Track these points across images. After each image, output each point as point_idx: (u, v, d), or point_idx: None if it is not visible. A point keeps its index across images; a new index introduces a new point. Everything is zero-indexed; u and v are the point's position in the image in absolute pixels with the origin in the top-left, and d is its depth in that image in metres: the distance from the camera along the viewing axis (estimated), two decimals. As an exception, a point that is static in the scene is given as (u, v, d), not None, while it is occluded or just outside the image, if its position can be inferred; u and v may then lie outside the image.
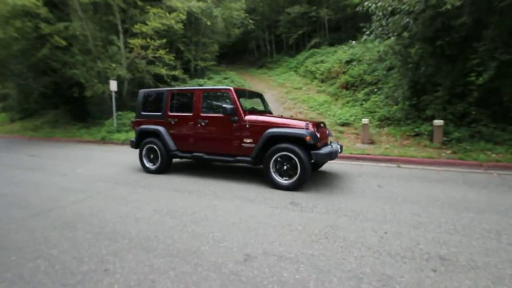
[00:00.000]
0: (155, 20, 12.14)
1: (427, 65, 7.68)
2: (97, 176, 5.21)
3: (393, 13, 7.67)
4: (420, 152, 6.48)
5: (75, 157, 7.59)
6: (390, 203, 3.57)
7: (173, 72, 13.35)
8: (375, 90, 10.47)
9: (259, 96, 5.69)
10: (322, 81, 13.80)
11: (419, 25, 7.26)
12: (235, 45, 23.56)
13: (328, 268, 2.12)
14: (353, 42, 9.71)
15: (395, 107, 8.96)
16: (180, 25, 13.01)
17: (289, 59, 19.24)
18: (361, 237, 2.61)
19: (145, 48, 12.04)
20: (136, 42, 11.78)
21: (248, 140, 4.43)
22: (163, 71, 12.77)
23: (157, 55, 12.35)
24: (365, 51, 11.82)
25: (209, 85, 14.08)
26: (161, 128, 5.26)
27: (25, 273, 2.12)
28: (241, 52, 24.95)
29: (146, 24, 11.99)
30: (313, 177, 4.84)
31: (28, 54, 12.65)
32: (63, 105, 15.85)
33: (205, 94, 4.97)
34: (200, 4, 14.21)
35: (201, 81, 14.76)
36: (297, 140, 4.11)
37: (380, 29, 8.21)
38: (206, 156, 4.86)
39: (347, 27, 18.55)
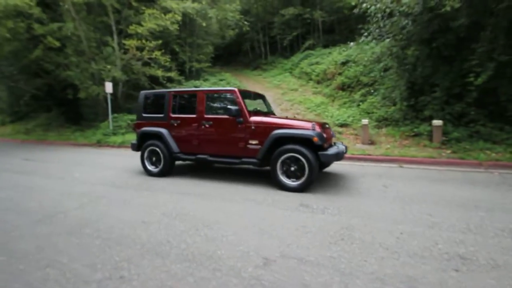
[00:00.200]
0: (150, 21, 12.00)
1: (424, 66, 7.77)
2: (96, 180, 5.07)
3: (391, 14, 7.75)
4: (420, 152, 6.53)
5: (71, 161, 7.40)
6: (398, 203, 3.57)
7: (169, 74, 13.21)
8: (372, 91, 10.55)
9: (261, 97, 5.65)
10: (318, 82, 13.86)
11: (416, 26, 7.36)
12: (229, 46, 23.55)
13: (350, 270, 2.09)
14: (351, 43, 9.76)
15: (392, 107, 9.03)
16: (176, 26, 12.89)
17: (283, 60, 19.29)
18: (378, 238, 2.59)
19: (140, 49, 11.89)
20: (131, 43, 11.63)
21: (254, 142, 4.38)
22: (159, 73, 12.62)
23: (153, 56, 12.21)
24: (360, 52, 11.92)
25: (205, 86, 13.98)
26: (163, 130, 5.16)
27: (35, 283, 2.02)
28: (235, 53, 24.93)
29: (141, 25, 11.85)
30: (317, 178, 4.82)
31: (21, 56, 12.34)
32: (56, 107, 15.48)
33: (209, 95, 4.90)
34: (195, 5, 14.10)
35: (196, 82, 14.66)
36: (303, 141, 4.08)
37: (377, 30, 8.30)
38: (210, 158, 4.78)
39: (341, 29, 18.75)
